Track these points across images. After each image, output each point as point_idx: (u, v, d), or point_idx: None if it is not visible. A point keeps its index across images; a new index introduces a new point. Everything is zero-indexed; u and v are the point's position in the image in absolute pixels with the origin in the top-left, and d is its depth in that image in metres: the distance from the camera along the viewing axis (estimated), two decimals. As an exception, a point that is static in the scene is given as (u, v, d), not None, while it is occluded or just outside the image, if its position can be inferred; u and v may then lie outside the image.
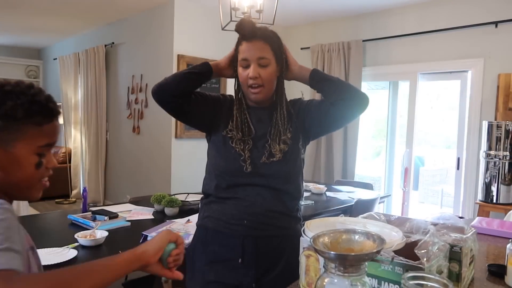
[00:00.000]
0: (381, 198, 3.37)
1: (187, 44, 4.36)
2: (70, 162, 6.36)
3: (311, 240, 0.76)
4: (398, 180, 4.63)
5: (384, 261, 0.81)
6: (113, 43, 5.41)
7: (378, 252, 0.71)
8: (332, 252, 0.71)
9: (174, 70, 4.29)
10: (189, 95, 1.40)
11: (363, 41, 4.35)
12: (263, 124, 1.43)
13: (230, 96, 1.50)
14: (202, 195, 1.50)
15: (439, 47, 3.91)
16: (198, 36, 4.46)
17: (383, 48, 4.30)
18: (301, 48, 4.94)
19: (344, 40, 4.47)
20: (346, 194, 3.30)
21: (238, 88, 1.43)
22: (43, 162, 0.87)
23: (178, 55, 4.28)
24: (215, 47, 4.51)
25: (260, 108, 1.45)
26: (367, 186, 3.75)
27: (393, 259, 0.78)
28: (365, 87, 4.53)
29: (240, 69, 1.38)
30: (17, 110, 0.81)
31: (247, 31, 1.34)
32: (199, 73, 1.40)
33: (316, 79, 1.44)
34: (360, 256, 0.71)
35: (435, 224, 1.14)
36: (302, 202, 2.92)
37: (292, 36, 5.11)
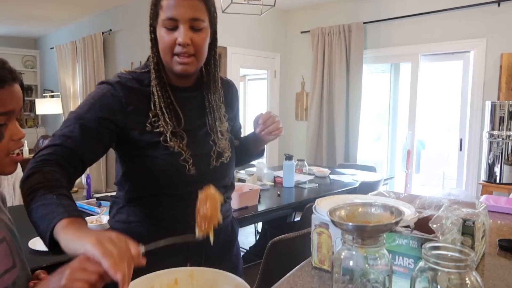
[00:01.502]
0: (385, 180, 3.37)
1: (186, 29, 4.31)
2: (70, 151, 6.34)
3: (328, 212, 0.75)
4: (400, 163, 4.63)
5: (404, 233, 0.80)
6: (110, 30, 5.35)
7: (397, 223, 0.70)
8: (350, 224, 0.70)
9: (174, 56, 4.24)
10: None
11: (364, 23, 4.30)
12: (196, 112, 1.13)
13: (119, 81, 1.06)
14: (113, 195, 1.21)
15: (441, 27, 3.86)
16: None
17: (384, 30, 4.25)
18: (301, 32, 4.89)
19: (344, 22, 4.41)
20: (350, 176, 3.31)
21: (157, 57, 1.07)
22: (3, 133, 0.77)
23: (177, 41, 4.23)
24: (214, 32, 4.46)
25: (186, 89, 1.12)
26: (370, 169, 3.75)
27: (413, 230, 0.77)
28: (366, 70, 4.49)
29: (162, 31, 1.02)
30: None
31: None
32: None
33: (259, 151, 1.37)
34: (379, 227, 0.70)
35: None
36: (306, 186, 2.92)
37: (292, 19, 5.06)
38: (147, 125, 1.05)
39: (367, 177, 3.30)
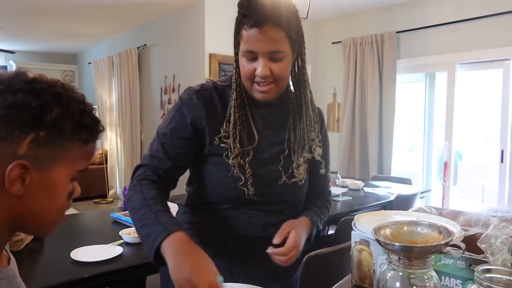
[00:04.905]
0: (421, 193, 3.27)
1: (219, 42, 4.37)
2: (106, 163, 6.53)
3: (373, 231, 0.73)
4: (436, 175, 4.49)
5: (454, 254, 0.77)
6: (145, 45, 5.51)
7: (447, 244, 0.67)
8: (396, 244, 0.68)
9: (206, 69, 4.31)
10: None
11: (397, 32, 4.23)
12: (273, 129, 1.11)
13: (199, 91, 1.10)
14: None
15: (479, 35, 3.74)
16: (229, 34, 4.42)
17: (418, 38, 4.17)
18: (332, 43, 4.87)
19: (377, 32, 4.36)
20: (385, 189, 3.23)
21: (239, 79, 1.07)
22: (74, 192, 0.69)
23: (210, 54, 4.30)
24: (246, 45, 4.50)
25: (266, 106, 1.10)
26: (405, 181, 3.65)
27: (464, 251, 0.74)
28: (399, 79, 4.41)
29: (243, 60, 1.02)
30: (66, 120, 0.62)
31: (259, 13, 0.95)
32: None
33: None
34: (427, 248, 0.68)
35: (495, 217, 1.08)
36: (340, 198, 2.87)
37: (322, 30, 5.05)
38: (216, 139, 1.07)
39: (403, 190, 3.21)
